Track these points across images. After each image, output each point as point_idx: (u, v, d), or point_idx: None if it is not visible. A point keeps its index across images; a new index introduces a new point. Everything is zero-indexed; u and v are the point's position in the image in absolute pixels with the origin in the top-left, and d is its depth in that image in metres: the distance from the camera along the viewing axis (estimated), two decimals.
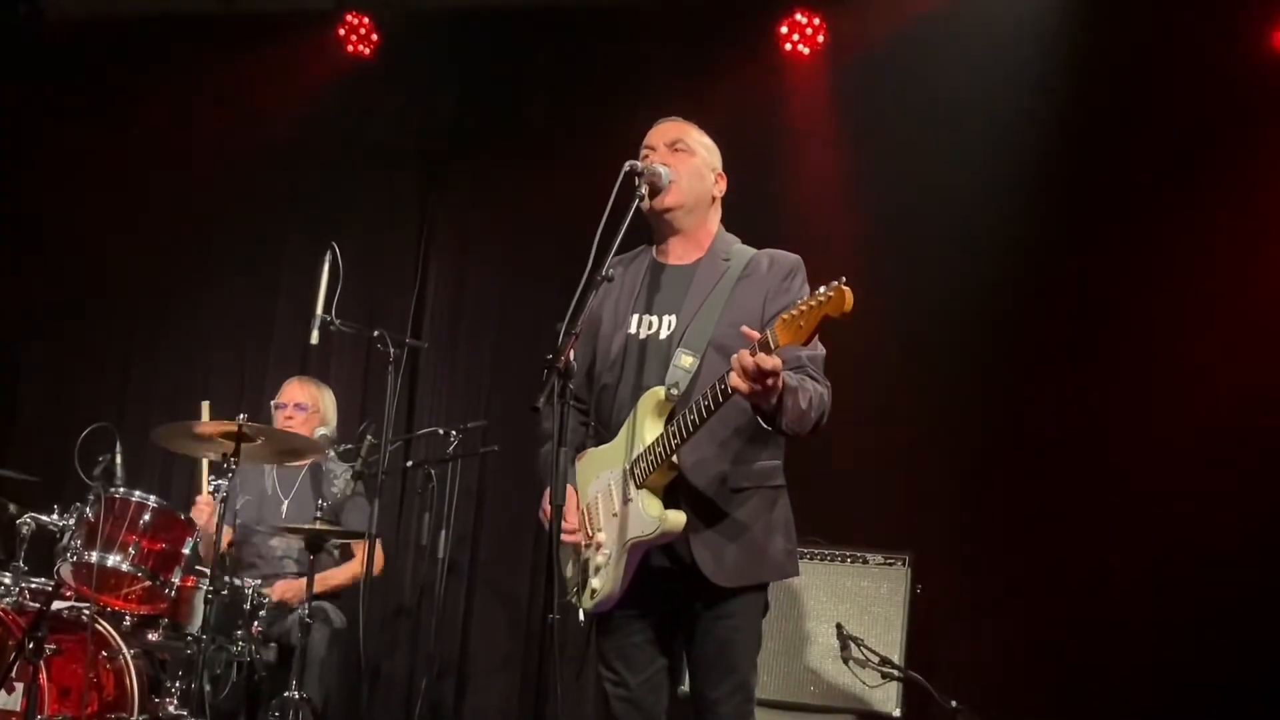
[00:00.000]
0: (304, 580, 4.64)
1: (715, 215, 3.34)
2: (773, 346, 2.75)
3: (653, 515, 2.98)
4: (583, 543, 3.15)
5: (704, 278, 3.21)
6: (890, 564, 4.77)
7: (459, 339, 6.06)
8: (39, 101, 6.32)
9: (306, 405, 5.19)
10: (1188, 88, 5.00)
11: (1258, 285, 4.87)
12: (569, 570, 3.20)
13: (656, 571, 3.06)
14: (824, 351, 3.16)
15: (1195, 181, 4.96)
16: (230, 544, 4.80)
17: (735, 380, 2.81)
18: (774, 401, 2.87)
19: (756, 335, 2.79)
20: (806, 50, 5.66)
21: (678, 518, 3.00)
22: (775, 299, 3.03)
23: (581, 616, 3.15)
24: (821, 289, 2.71)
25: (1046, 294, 5.15)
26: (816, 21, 5.63)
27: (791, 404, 2.92)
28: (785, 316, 2.74)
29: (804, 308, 2.72)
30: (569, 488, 3.15)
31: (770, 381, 2.79)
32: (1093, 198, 5.13)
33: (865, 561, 4.81)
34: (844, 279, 2.70)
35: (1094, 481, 4.97)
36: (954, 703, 4.43)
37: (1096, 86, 5.14)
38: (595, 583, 3.10)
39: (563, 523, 3.06)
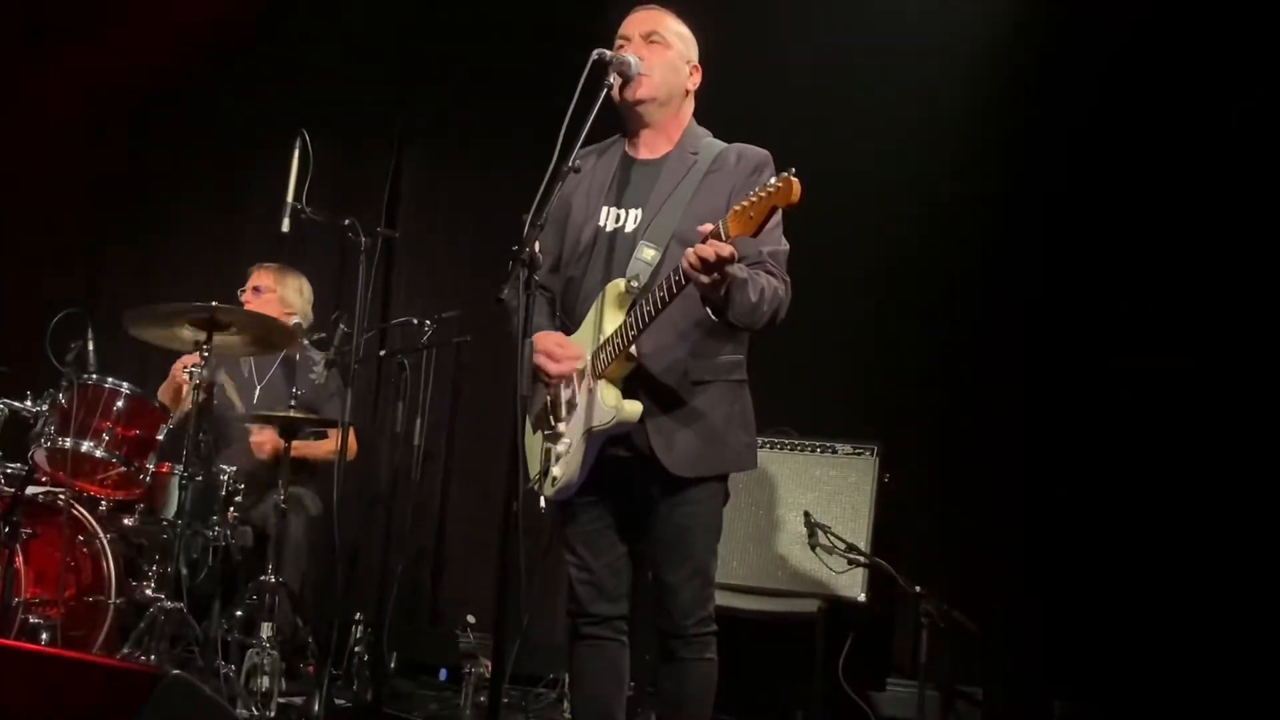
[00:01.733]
0: (284, 444, 4.70)
1: (688, 108, 3.33)
2: (724, 237, 2.79)
3: (609, 405, 3.04)
4: (549, 424, 3.21)
5: (671, 172, 3.21)
6: (859, 454, 4.83)
7: (434, 229, 6.07)
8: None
9: (263, 288, 5.21)
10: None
11: None
12: (534, 459, 3.26)
13: (616, 460, 3.12)
14: (787, 247, 3.19)
15: None
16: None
17: (688, 267, 2.85)
18: (722, 293, 2.91)
19: (709, 227, 2.83)
20: None
21: (634, 407, 3.05)
22: (740, 194, 3.03)
23: (543, 503, 3.21)
24: (771, 179, 2.74)
25: (1027, 174, 5.10)
26: None
27: (740, 297, 2.95)
28: (736, 208, 2.78)
29: (754, 199, 2.75)
30: (561, 335, 3.19)
31: (723, 272, 2.83)
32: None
33: (834, 451, 4.88)
34: (793, 170, 2.73)
35: (1067, 370, 4.99)
36: (918, 588, 4.49)
37: None
38: (556, 471, 3.16)
39: (549, 362, 3.13)
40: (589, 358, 3.11)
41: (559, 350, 3.15)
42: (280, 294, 5.23)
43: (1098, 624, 4.78)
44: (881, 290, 5.27)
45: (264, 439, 4.97)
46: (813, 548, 4.67)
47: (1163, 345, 4.75)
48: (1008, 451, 5.03)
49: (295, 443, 4.78)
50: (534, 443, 3.26)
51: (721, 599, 3.41)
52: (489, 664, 4.18)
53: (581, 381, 3.13)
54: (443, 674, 5.36)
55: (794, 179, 2.72)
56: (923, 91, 5.20)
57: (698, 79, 3.32)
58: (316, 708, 4.28)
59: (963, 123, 5.15)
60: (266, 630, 4.38)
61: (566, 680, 4.42)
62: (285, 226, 4.48)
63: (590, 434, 3.08)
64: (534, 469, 3.25)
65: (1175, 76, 4.88)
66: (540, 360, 3.15)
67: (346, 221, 4.65)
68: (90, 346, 4.55)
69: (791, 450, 4.90)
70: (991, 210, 5.11)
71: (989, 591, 4.81)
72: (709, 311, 2.99)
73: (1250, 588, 4.53)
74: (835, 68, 5.32)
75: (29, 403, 4.55)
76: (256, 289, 5.20)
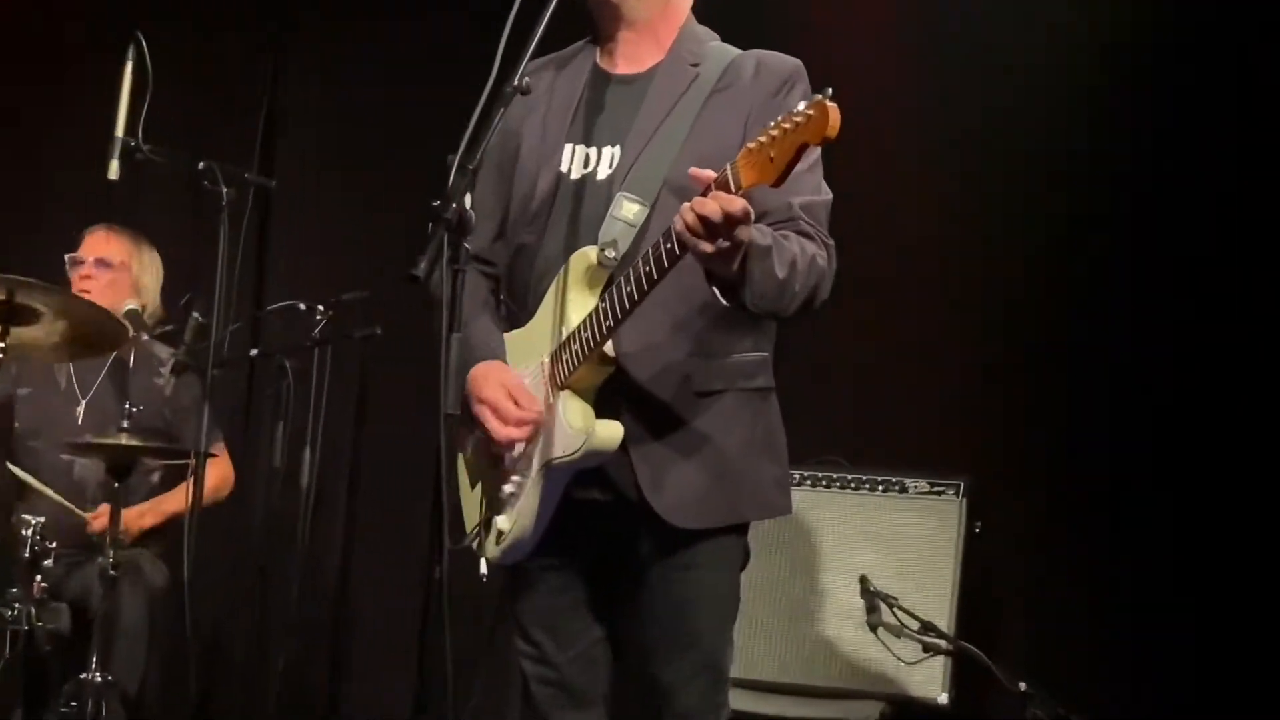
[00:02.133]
0: (114, 511, 4.69)
1: (683, 1, 3.32)
2: (734, 189, 2.77)
3: (576, 427, 3.01)
4: (499, 462, 3.20)
5: (662, 91, 3.19)
6: (938, 494, 4.88)
7: (329, 176, 6.08)
8: None
9: (114, 262, 5.21)
10: None
11: None
12: (471, 504, 3.26)
13: (587, 506, 3.10)
14: (829, 197, 3.18)
15: None
16: None
17: (683, 231, 2.82)
18: (735, 267, 2.90)
19: (710, 174, 2.81)
20: None
21: (610, 431, 3.03)
22: (761, 122, 3.01)
23: (484, 567, 3.20)
24: (800, 105, 2.72)
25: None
26: None
27: (761, 271, 2.91)
28: (750, 146, 2.74)
29: (775, 132, 2.72)
30: (504, 369, 3.17)
31: (733, 236, 2.81)
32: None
33: (903, 490, 4.92)
34: (829, 91, 2.70)
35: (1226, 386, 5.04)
36: (1023, 685, 4.53)
37: None
38: (502, 522, 3.15)
39: (489, 413, 3.10)
40: (548, 360, 3.10)
41: (509, 405, 3.11)
42: (136, 273, 5.27)
43: None
44: (974, 270, 5.32)
45: (101, 516, 4.90)
46: (873, 628, 4.70)
47: None
48: (1146, 493, 5.04)
49: (133, 513, 4.80)
50: (470, 483, 3.26)
51: (741, 702, 3.42)
52: None
53: (538, 393, 3.12)
54: None
55: (829, 104, 2.69)
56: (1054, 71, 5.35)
57: None
58: None
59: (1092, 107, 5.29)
60: None
61: None
62: (114, 172, 4.48)
63: (550, 469, 3.06)
64: (471, 519, 3.25)
65: None
66: (482, 414, 3.12)
67: (202, 165, 4.64)
68: None
69: (843, 489, 4.93)
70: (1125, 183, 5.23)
71: (1122, 689, 4.83)
72: (717, 293, 2.97)
73: None
74: None
75: None
76: (104, 261, 5.19)
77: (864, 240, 4.11)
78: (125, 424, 4.75)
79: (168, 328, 5.14)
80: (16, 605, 4.58)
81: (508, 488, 3.15)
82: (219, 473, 5.09)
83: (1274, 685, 4.79)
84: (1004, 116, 5.35)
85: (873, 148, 4.81)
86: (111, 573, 4.61)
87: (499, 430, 3.11)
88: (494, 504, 3.19)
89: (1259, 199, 5.06)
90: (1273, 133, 5.04)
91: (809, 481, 4.93)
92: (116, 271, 5.20)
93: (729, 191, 2.75)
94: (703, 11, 3.32)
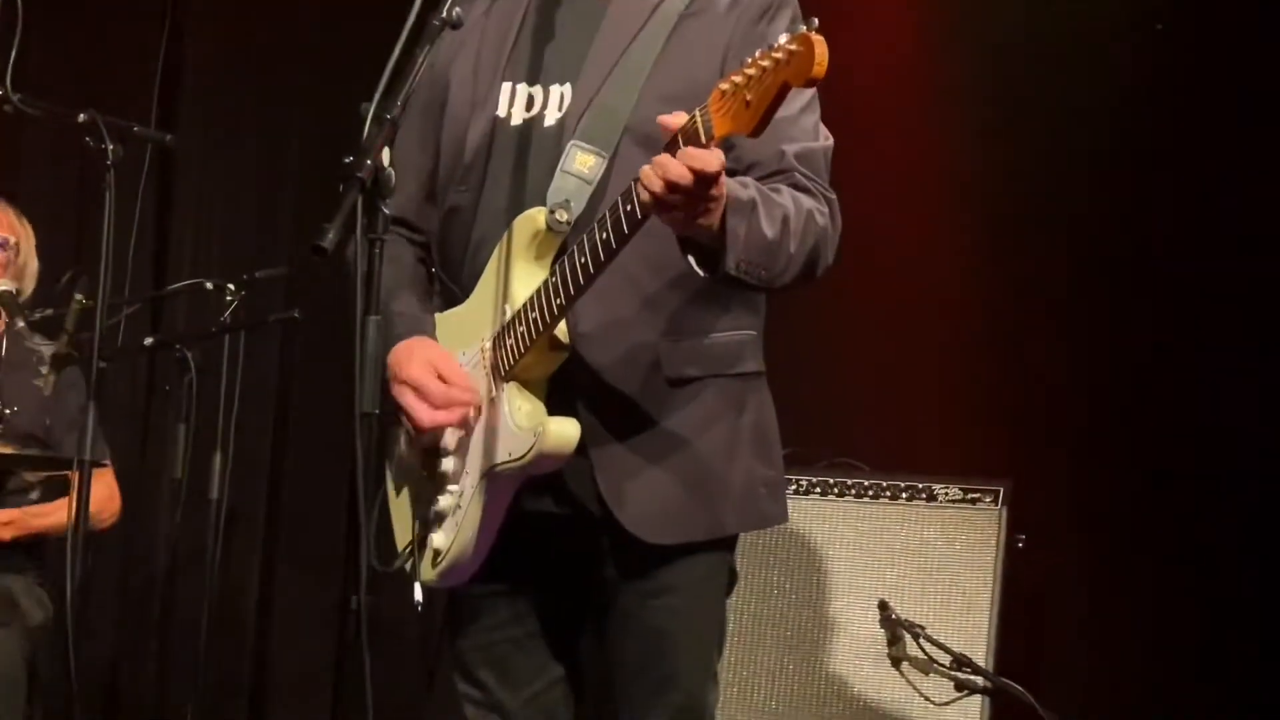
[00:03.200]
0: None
1: None
2: (704, 140, 2.76)
3: (523, 426, 3.02)
4: (419, 471, 3.21)
5: (621, 17, 3.19)
6: (973, 501, 4.89)
7: (238, 130, 6.11)
8: None
9: (9, 240, 5.26)
10: None
11: None
12: (402, 520, 3.28)
13: (540, 520, 3.12)
14: (829, 143, 3.19)
15: None
16: None
17: (646, 200, 2.82)
18: (715, 226, 2.89)
19: (678, 121, 2.80)
20: None
21: (564, 430, 3.03)
22: (742, 56, 3.02)
23: (419, 595, 3.21)
24: (781, 39, 2.72)
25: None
26: None
27: (746, 231, 2.91)
28: (723, 86, 2.74)
29: (751, 72, 2.72)
30: (436, 350, 3.18)
31: (708, 195, 2.81)
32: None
33: (931, 497, 4.93)
34: (814, 23, 2.70)
35: None
36: None
37: None
38: (439, 539, 3.16)
39: (416, 404, 3.11)
40: (489, 345, 3.11)
41: (434, 384, 3.13)
42: (24, 254, 5.32)
43: None
44: (1011, 249, 5.39)
45: None
46: (895, 663, 4.72)
47: None
48: (1217, 500, 5.09)
49: (15, 511, 4.88)
50: (400, 494, 3.28)
51: None
52: None
53: (477, 385, 3.12)
54: None
55: (815, 35, 2.69)
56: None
57: None
58: None
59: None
60: None
61: None
62: None
63: (493, 476, 3.07)
64: (402, 537, 3.26)
65: None
66: (405, 400, 3.13)
67: (83, 118, 4.65)
68: None
69: (860, 497, 4.96)
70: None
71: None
72: (692, 263, 2.97)
73: None
74: None
75: None
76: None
77: (887, 226, 4.14)
78: None
79: (45, 312, 5.12)
80: None
81: (444, 499, 3.16)
82: (100, 494, 5.07)
83: None
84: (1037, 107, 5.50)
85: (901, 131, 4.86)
86: None
87: (423, 415, 3.10)
88: (428, 519, 3.19)
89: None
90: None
91: (819, 489, 4.95)
92: (11, 251, 5.25)
93: (700, 144, 2.74)
94: None
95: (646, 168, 2.76)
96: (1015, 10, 5.60)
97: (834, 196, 3.13)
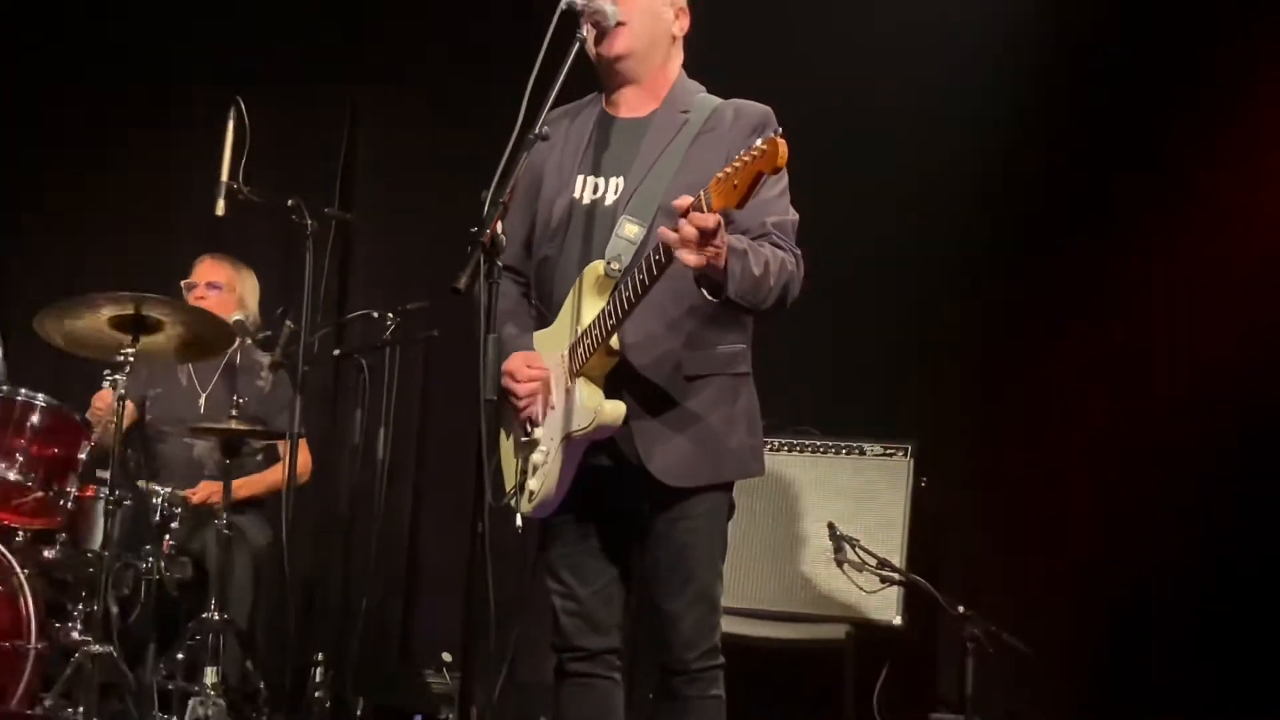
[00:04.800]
0: (224, 483, 4.73)
1: (675, 59, 3.31)
2: (705, 209, 2.77)
3: (588, 406, 3.02)
4: (525, 435, 3.21)
5: (658, 133, 3.19)
6: (890, 455, 4.87)
7: (397, 209, 6.06)
8: None
9: (221, 284, 5.23)
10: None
11: None
12: (510, 470, 3.26)
13: (599, 470, 3.12)
14: (795, 217, 3.17)
15: None
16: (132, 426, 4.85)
17: (672, 242, 2.82)
18: (720, 267, 2.89)
19: (688, 200, 2.81)
20: None
21: (615, 409, 3.04)
22: (737, 156, 3.04)
23: (520, 521, 3.21)
24: (757, 141, 2.73)
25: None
26: None
27: (740, 270, 2.91)
28: (719, 175, 2.75)
29: (737, 164, 2.73)
30: (530, 352, 3.20)
31: (713, 243, 2.82)
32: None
33: (862, 453, 4.91)
34: (778, 129, 2.73)
35: (1122, 356, 5.02)
36: (961, 608, 4.50)
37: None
38: (533, 484, 3.16)
39: (518, 387, 3.14)
40: (566, 352, 3.11)
41: (524, 370, 3.16)
42: (240, 292, 5.28)
43: (1178, 643, 4.80)
44: (914, 260, 5.29)
45: (199, 492, 4.94)
46: (839, 564, 4.68)
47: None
48: (1064, 447, 5.04)
49: (240, 483, 4.85)
50: (509, 452, 3.27)
51: (731, 626, 3.42)
52: (461, 706, 4.20)
53: (559, 379, 3.13)
54: None
55: (779, 139, 2.70)
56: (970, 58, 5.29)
57: (685, 23, 3.30)
58: None
59: (1009, 94, 5.25)
60: (211, 676, 4.42)
61: None
62: (221, 209, 4.51)
63: (569, 440, 3.08)
64: (509, 482, 3.25)
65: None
66: (506, 384, 3.15)
67: (291, 202, 4.65)
68: (1, 354, 4.57)
69: (813, 453, 4.93)
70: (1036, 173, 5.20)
71: (1045, 610, 4.83)
72: (705, 293, 2.97)
73: None
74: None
75: None
76: (214, 284, 5.21)
77: (831, 243, 4.13)
78: (234, 413, 4.80)
79: (266, 334, 5.13)
80: (150, 560, 4.63)
81: (536, 456, 3.16)
82: (302, 458, 5.08)
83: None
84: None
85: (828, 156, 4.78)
86: (225, 533, 4.67)
87: (518, 388, 3.16)
88: (526, 470, 3.20)
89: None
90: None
91: (786, 447, 4.94)
92: (224, 292, 5.23)
93: (702, 212, 2.76)
94: (695, 63, 3.32)
95: (663, 228, 2.82)
96: None
97: (799, 252, 3.12)
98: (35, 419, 4.55)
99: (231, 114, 4.51)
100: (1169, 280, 4.99)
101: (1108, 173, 5.12)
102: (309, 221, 4.62)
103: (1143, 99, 5.07)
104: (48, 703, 4.28)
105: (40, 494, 4.55)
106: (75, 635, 4.46)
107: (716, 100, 3.25)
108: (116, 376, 4.44)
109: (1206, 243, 4.90)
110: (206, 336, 4.72)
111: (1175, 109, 5.04)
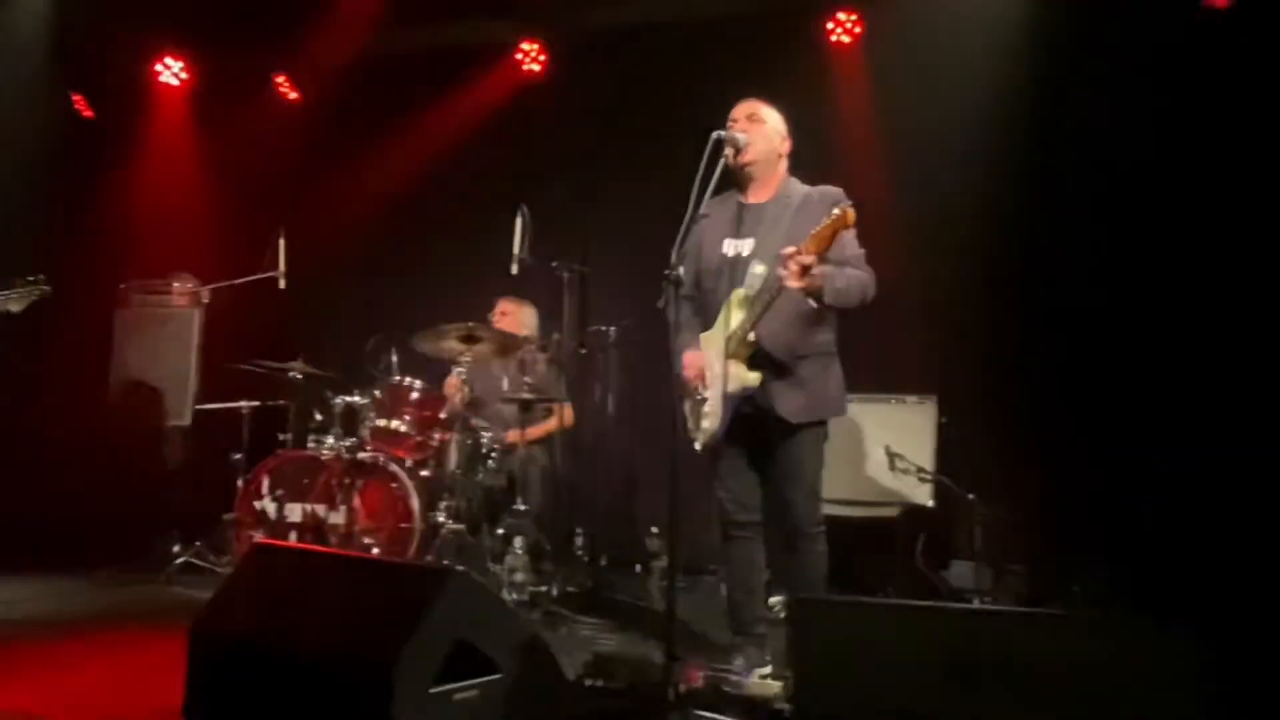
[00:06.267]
0: (522, 430, 4.80)
1: (783, 165, 3.31)
2: (804, 254, 2.77)
3: (738, 376, 3.05)
4: (698, 395, 3.23)
5: (773, 211, 3.21)
6: (922, 403, 4.74)
7: (615, 264, 5.92)
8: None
9: (509, 313, 5.27)
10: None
11: None
12: (691, 418, 3.30)
13: (746, 415, 3.14)
14: (861, 251, 3.14)
15: None
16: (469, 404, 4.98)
17: (790, 281, 2.83)
18: (820, 285, 2.87)
19: (791, 250, 2.80)
20: (847, 40, 5.49)
21: (755, 377, 3.06)
22: (819, 220, 3.02)
23: (698, 446, 3.24)
24: (835, 210, 2.71)
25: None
26: (855, 17, 5.47)
27: (829, 287, 2.93)
28: (812, 233, 2.76)
29: (823, 226, 2.73)
30: (696, 350, 3.20)
31: (810, 274, 2.80)
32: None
33: (905, 401, 4.79)
34: (849, 204, 2.71)
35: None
36: (971, 495, 4.41)
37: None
38: (706, 424, 3.20)
39: (688, 371, 3.16)
40: (722, 344, 3.12)
41: (691, 359, 3.19)
42: (519, 317, 5.29)
43: (1111, 521, 4.56)
44: (935, 260, 5.04)
45: (511, 436, 4.88)
46: (893, 470, 4.61)
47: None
48: (1037, 395, 4.82)
49: (530, 429, 4.86)
50: (690, 407, 3.30)
51: (828, 509, 3.39)
52: (667, 559, 4.20)
53: (718, 361, 3.14)
54: (637, 568, 5.39)
55: (849, 209, 2.70)
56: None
57: (789, 145, 3.30)
58: (555, 592, 4.36)
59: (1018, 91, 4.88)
60: (519, 542, 4.45)
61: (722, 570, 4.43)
62: (514, 270, 4.56)
63: (727, 398, 3.10)
64: (692, 426, 3.29)
65: None
66: (682, 371, 3.17)
67: (555, 264, 4.72)
68: (394, 359, 4.75)
69: (874, 403, 4.81)
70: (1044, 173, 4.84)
71: (1024, 495, 4.62)
72: (811, 301, 2.96)
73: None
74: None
75: (357, 398, 4.75)
76: (504, 313, 5.25)
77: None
78: (526, 388, 4.86)
79: (543, 342, 5.19)
80: (483, 475, 4.71)
81: (706, 409, 3.19)
82: (566, 414, 5.12)
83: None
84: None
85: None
86: (524, 458, 4.74)
87: (687, 370, 3.19)
88: (700, 417, 3.22)
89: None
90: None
91: (857, 399, 4.71)
92: (511, 317, 5.23)
93: (801, 255, 2.76)
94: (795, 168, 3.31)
95: (780, 267, 2.83)
96: None
97: (871, 270, 3.08)
98: (414, 395, 4.71)
99: (519, 214, 4.56)
100: None
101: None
102: (564, 274, 4.67)
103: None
104: (427, 559, 4.38)
105: (419, 438, 4.70)
106: (441, 519, 4.60)
107: (807, 188, 3.24)
108: (460, 369, 4.58)
109: None
110: (507, 345, 4.79)
111: None
